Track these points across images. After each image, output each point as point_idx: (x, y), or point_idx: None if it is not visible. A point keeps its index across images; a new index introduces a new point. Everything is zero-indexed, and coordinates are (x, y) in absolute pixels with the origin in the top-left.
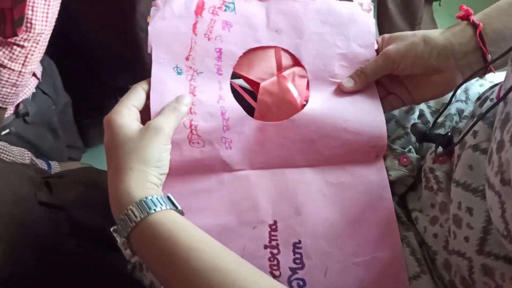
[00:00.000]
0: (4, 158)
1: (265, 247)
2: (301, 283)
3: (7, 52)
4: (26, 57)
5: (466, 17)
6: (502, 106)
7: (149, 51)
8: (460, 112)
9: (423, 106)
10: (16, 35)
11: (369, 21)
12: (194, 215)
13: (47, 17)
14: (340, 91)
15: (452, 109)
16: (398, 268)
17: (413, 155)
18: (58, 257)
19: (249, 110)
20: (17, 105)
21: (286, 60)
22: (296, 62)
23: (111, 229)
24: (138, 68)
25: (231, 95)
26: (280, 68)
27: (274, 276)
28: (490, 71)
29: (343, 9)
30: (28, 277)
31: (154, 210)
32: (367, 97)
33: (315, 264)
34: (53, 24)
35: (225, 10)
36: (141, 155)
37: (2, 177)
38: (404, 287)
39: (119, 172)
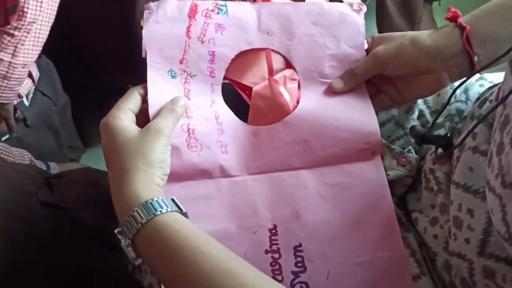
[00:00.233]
0: (4, 159)
1: (266, 252)
2: (304, 286)
3: None
4: (16, 46)
5: (454, 19)
6: (501, 108)
7: (143, 55)
8: (460, 112)
9: (422, 106)
10: (9, 24)
11: (359, 21)
12: (193, 222)
13: (41, 6)
14: (331, 91)
15: (452, 109)
16: (401, 267)
17: (412, 155)
18: (58, 257)
19: (246, 111)
20: (15, 111)
21: (277, 62)
22: (287, 64)
23: (115, 231)
24: (138, 67)
25: (222, 99)
26: (271, 72)
27: (277, 281)
28: (477, 71)
29: (333, 10)
30: (29, 276)
31: (160, 211)
32: (357, 95)
33: (317, 267)
34: (49, 15)
35: (217, 13)
36: (145, 156)
37: (5, 177)
38: (408, 286)
39: (123, 174)
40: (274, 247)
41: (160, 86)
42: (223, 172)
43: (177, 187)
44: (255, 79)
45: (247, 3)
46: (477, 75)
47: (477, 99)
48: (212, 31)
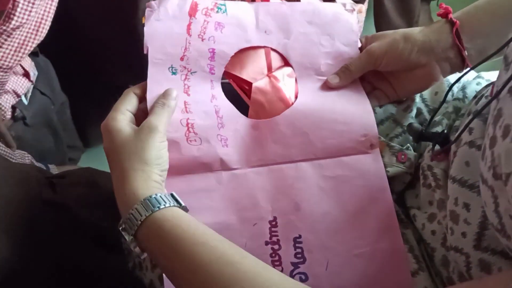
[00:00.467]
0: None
1: (266, 243)
2: (303, 277)
3: None
4: None
5: (445, 15)
6: (495, 103)
7: (145, 52)
8: (457, 110)
9: (420, 104)
10: None
11: (352, 20)
12: (194, 214)
13: (29, 13)
14: (327, 87)
15: (450, 107)
16: (399, 258)
17: (411, 152)
18: (60, 255)
19: (245, 108)
20: (14, 110)
21: (275, 60)
22: (285, 62)
23: (119, 228)
24: (139, 67)
25: (223, 94)
26: (270, 68)
27: None
28: (467, 66)
29: (327, 9)
30: (32, 274)
31: (158, 207)
32: (352, 90)
33: (316, 258)
34: (40, 23)
35: (217, 12)
36: (140, 155)
37: (11, 177)
38: (406, 277)
39: (123, 174)
40: (274, 239)
41: (159, 83)
42: (223, 165)
43: (177, 181)
44: (255, 74)
45: (245, 3)
46: (474, 74)
47: (474, 96)
48: (212, 29)
